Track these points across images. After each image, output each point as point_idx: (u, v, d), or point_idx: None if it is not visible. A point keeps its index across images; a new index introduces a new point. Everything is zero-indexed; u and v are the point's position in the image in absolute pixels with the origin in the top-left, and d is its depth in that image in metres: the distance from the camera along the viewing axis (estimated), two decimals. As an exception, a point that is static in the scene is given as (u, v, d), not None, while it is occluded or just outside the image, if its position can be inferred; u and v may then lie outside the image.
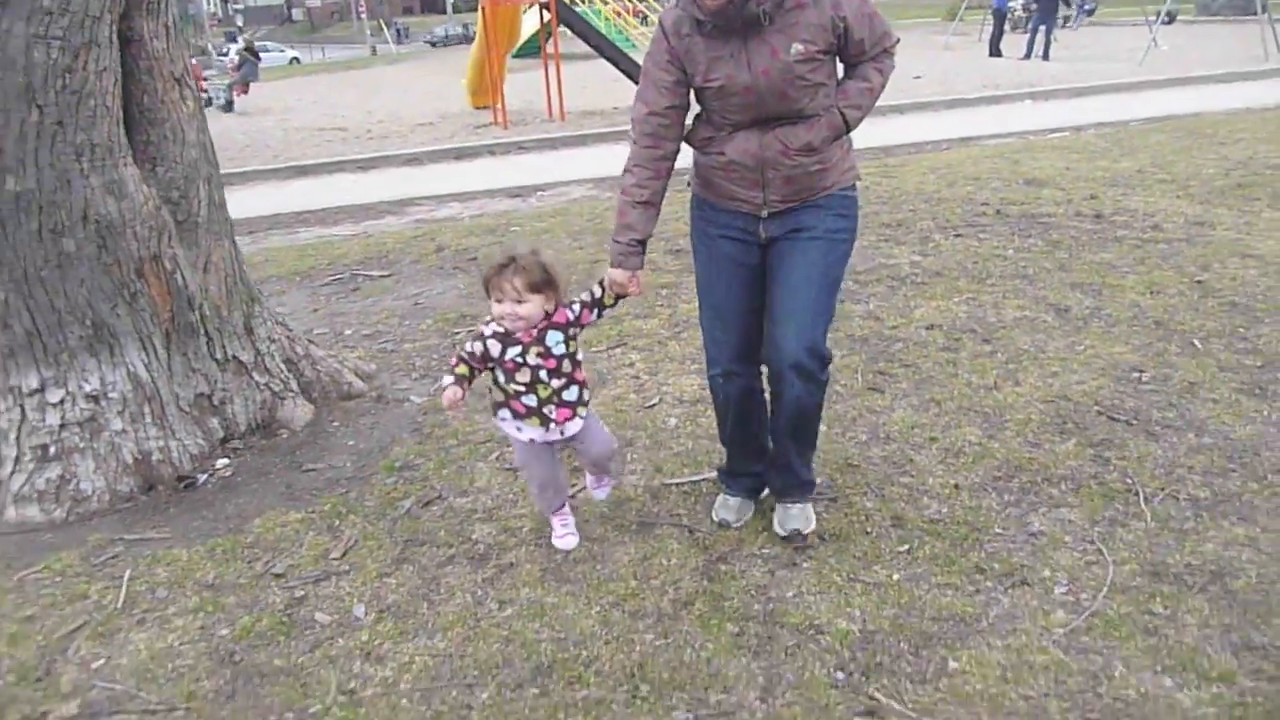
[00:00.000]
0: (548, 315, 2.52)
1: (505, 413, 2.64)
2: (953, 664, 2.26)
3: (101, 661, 2.48)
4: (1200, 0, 29.99)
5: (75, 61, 3.15)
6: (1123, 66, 16.48)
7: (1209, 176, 7.23)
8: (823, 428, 3.15)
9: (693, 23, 2.44)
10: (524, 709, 2.20)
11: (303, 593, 2.72)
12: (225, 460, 3.62)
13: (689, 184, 2.75)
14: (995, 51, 20.07)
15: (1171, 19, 23.38)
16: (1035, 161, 8.31)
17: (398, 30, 53.18)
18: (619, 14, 16.67)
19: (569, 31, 14.63)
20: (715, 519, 2.92)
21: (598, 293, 2.62)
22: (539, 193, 9.09)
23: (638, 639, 2.42)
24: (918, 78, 16.18)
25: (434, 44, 47.15)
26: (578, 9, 14.97)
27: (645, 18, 21.29)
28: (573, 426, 2.64)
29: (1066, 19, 24.09)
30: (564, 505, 2.85)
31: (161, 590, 2.78)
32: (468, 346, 2.58)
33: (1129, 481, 3.01)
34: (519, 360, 2.53)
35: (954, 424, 3.47)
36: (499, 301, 2.46)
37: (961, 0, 25.18)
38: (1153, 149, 8.60)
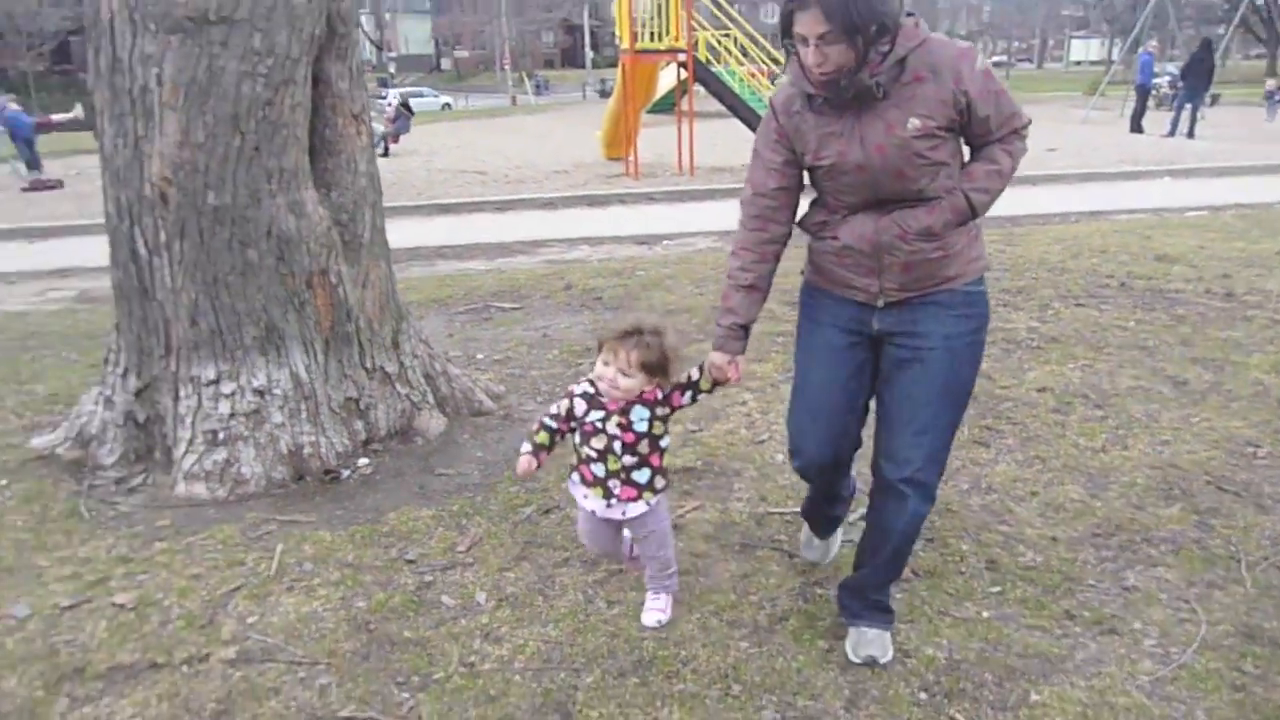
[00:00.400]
0: (641, 393, 2.45)
1: (575, 476, 2.58)
2: (1034, 696, 2.36)
3: (256, 617, 2.80)
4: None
5: (275, 96, 3.60)
6: (1270, 148, 15.92)
7: (1353, 263, 7.01)
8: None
9: (803, 98, 2.33)
10: (625, 695, 2.40)
11: (431, 578, 3.00)
12: (366, 460, 3.97)
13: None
14: (1137, 128, 19.65)
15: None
16: (1168, 238, 8.19)
17: (537, 83, 55.31)
18: (753, 75, 17.16)
19: (703, 90, 15.09)
20: (804, 558, 2.99)
21: (695, 375, 2.52)
22: (665, 241, 9.43)
23: (733, 645, 2.59)
24: (1052, 150, 16.00)
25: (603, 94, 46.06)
26: (713, 69, 15.41)
27: (775, 78, 21.72)
28: (635, 508, 2.53)
29: (1215, 97, 23.37)
30: (623, 560, 2.85)
31: (308, 564, 3.10)
32: (554, 407, 2.53)
33: (1232, 549, 3.04)
34: (598, 425, 2.46)
35: (1057, 480, 3.53)
36: (606, 364, 2.40)
37: (1104, 75, 24.73)
38: (1295, 232, 8.35)
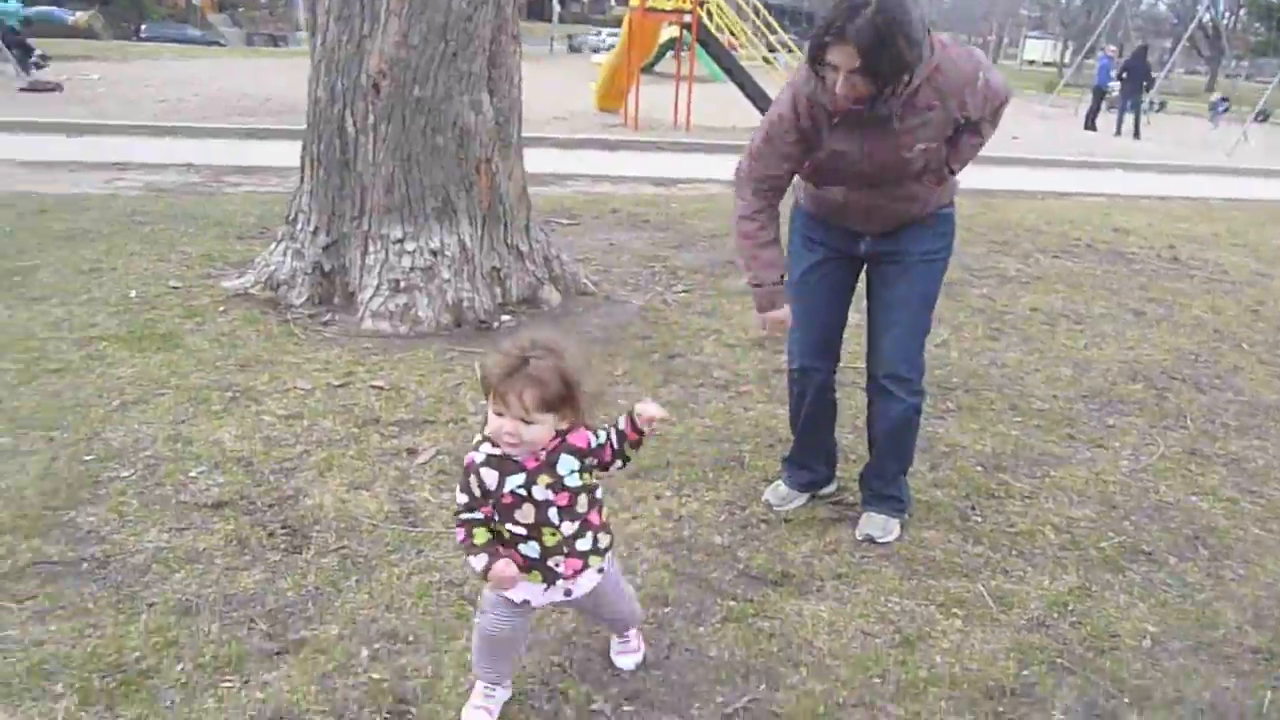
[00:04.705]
0: (561, 436, 1.91)
1: (498, 563, 1.92)
2: (1053, 473, 3.47)
3: (482, 400, 3.76)
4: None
5: (474, 12, 4.51)
6: (1212, 153, 17.47)
7: (1278, 246, 8.33)
8: (953, 365, 4.35)
9: (823, 110, 2.50)
10: (775, 457, 3.43)
11: (605, 386, 3.99)
12: (507, 317, 4.92)
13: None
14: (1090, 125, 21.14)
15: (1265, 117, 24.28)
16: (1124, 216, 9.45)
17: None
18: (743, 46, 18.25)
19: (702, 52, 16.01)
20: (763, 499, 3.13)
21: (622, 425, 1.96)
22: (679, 184, 10.40)
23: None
24: (1016, 138, 17.29)
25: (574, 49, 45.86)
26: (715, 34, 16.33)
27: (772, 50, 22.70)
28: (584, 583, 2.04)
29: (1163, 104, 25.04)
30: (507, 680, 2.18)
31: (504, 375, 4.07)
32: (460, 497, 1.95)
33: (1181, 410, 4.19)
34: (520, 493, 1.91)
35: (1051, 364, 4.67)
36: (499, 414, 1.84)
37: (1057, 75, 26.26)
38: (1230, 221, 9.70)
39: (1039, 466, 3.52)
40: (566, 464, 1.93)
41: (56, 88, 15.82)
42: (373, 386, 3.84)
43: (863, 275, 2.91)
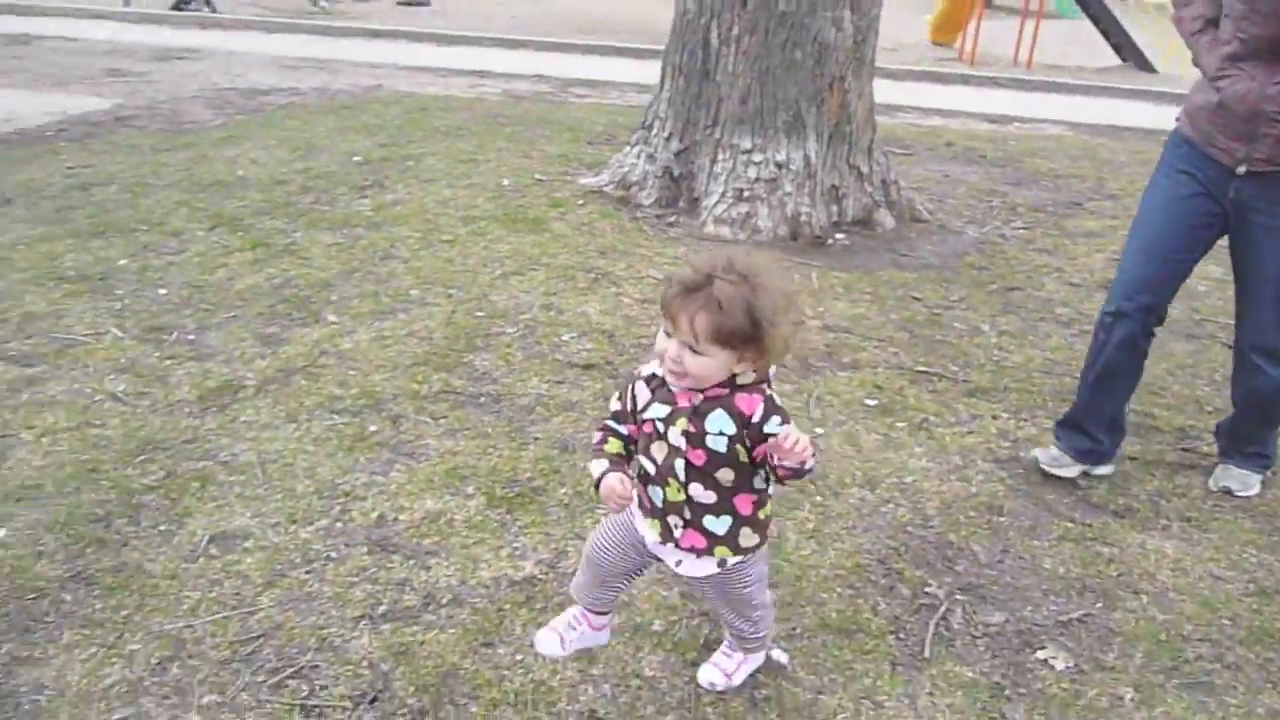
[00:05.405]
0: (731, 385, 1.62)
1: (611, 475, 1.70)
2: None
3: (822, 309, 3.91)
4: None
5: (848, -71, 4.53)
6: None
7: None
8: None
9: None
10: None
11: (939, 313, 4.00)
12: (841, 235, 5.01)
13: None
14: None
15: None
16: None
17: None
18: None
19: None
20: (1030, 453, 2.90)
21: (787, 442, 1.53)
22: (1015, 123, 9.86)
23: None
24: None
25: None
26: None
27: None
28: (696, 567, 1.76)
29: None
30: (595, 613, 1.95)
31: (839, 288, 4.20)
32: (613, 403, 1.79)
33: None
34: (658, 427, 1.67)
35: None
36: (668, 335, 1.59)
37: None
38: None
39: None
40: (716, 421, 1.61)
41: (425, 3, 17.54)
42: (717, 283, 4.09)
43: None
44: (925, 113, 10.16)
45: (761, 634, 1.91)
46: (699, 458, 1.63)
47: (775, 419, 1.59)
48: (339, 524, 2.43)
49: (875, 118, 5.27)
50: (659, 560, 1.81)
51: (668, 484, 1.67)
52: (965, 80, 12.48)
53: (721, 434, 1.61)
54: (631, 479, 1.70)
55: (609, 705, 1.93)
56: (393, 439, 2.80)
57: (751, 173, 4.87)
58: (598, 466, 1.72)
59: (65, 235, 4.39)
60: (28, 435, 2.77)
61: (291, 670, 1.97)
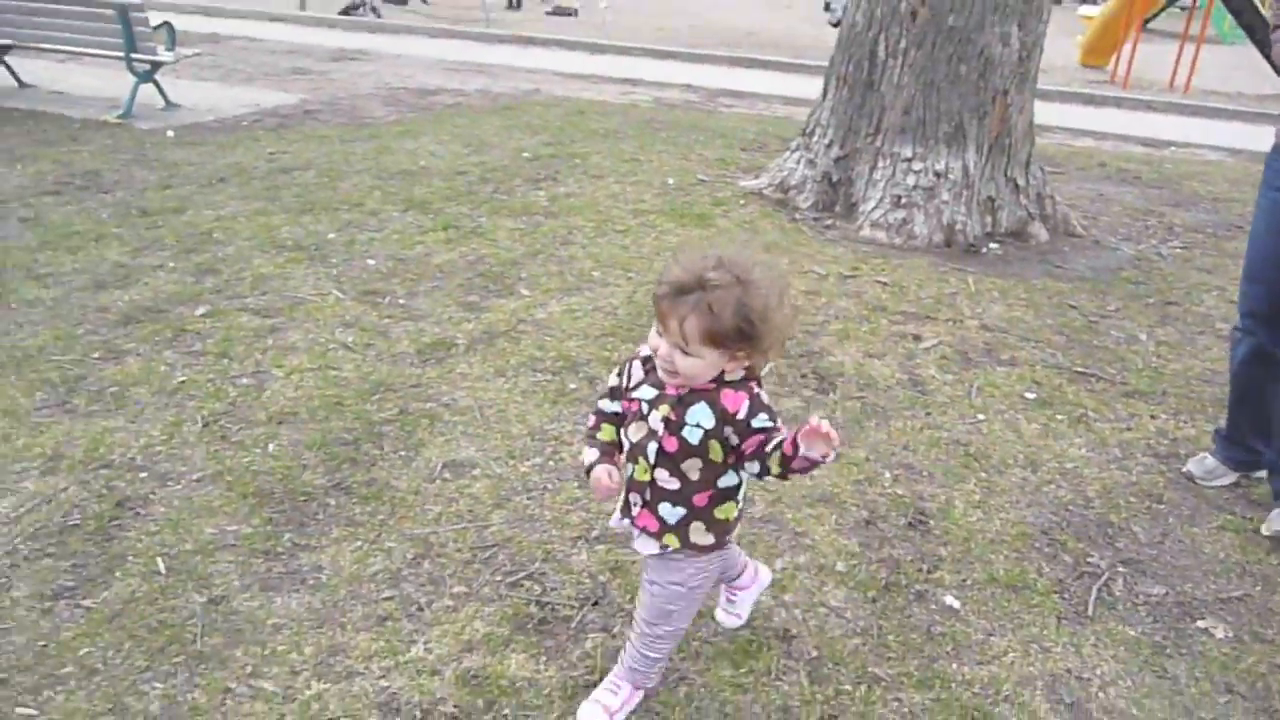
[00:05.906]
0: (718, 381, 1.64)
1: (599, 468, 1.75)
2: None
3: (980, 308, 4.08)
4: None
5: (1022, -52, 4.68)
6: None
7: None
8: None
9: None
10: None
11: (1095, 320, 4.11)
12: (994, 245, 5.14)
13: None
14: None
15: None
16: None
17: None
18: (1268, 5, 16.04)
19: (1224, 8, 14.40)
20: (1184, 468, 2.94)
21: (785, 436, 1.58)
22: (1170, 147, 9.68)
23: None
24: None
25: None
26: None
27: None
28: (643, 544, 1.78)
29: None
30: (737, 576, 2.09)
31: (994, 292, 4.35)
32: (611, 378, 1.82)
33: None
34: (643, 408, 1.70)
35: None
36: (659, 334, 1.61)
37: None
38: None
39: None
40: (696, 414, 1.63)
41: (573, 13, 18.22)
42: (878, 281, 4.31)
43: None
44: (1076, 134, 10.07)
45: (651, 658, 1.85)
46: (671, 444, 1.65)
47: (763, 415, 1.62)
48: (551, 462, 2.76)
49: (1033, 132, 5.37)
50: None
51: (637, 463, 1.71)
52: (1118, 103, 12.26)
53: (698, 426, 1.63)
54: (620, 470, 1.75)
55: (800, 626, 2.18)
56: (590, 396, 3.12)
57: (910, 180, 5.05)
58: (589, 455, 1.76)
59: (277, 210, 4.91)
60: (278, 372, 3.20)
61: (524, 574, 2.30)
